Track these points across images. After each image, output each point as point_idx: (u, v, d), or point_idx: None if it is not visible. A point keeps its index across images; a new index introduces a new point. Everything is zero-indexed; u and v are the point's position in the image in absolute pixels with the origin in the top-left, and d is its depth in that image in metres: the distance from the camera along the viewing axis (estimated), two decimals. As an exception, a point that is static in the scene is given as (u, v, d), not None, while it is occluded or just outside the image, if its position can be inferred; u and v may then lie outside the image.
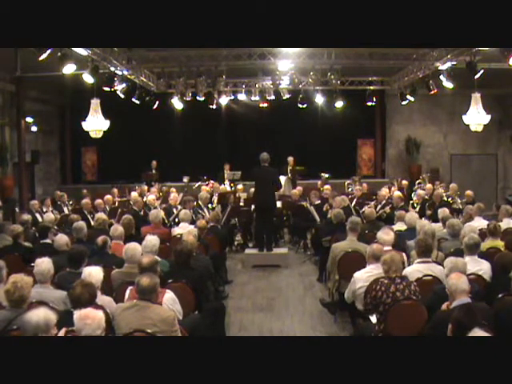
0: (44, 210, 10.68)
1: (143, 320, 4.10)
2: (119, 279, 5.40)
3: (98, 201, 11.01)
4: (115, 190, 13.04)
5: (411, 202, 11.27)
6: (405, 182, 13.53)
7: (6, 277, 4.96)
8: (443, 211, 8.09)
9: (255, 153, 10.31)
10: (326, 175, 14.19)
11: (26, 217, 8.53)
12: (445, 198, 10.97)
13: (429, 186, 12.57)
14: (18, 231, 7.08)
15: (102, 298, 4.62)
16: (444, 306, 4.31)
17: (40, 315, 3.46)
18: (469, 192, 10.68)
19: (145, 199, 11.28)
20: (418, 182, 13.92)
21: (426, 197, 11.40)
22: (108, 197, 11.76)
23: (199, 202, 10.76)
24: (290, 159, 14.24)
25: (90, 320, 3.47)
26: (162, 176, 14.89)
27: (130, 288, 4.76)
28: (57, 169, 17.36)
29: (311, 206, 10.86)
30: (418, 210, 10.40)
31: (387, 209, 10.37)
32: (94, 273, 4.71)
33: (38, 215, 10.20)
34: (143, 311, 4.15)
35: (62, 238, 6.48)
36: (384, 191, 11.67)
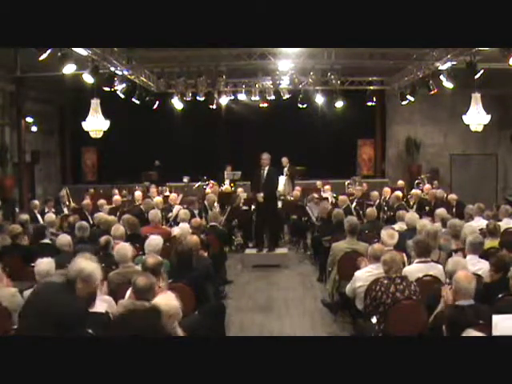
0: (46, 210, 10.67)
1: None
2: (116, 280, 5.40)
3: (105, 205, 10.98)
4: (116, 191, 13.04)
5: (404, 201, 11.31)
6: (400, 182, 13.49)
7: (6, 277, 4.97)
8: (441, 211, 8.13)
9: (255, 153, 10.32)
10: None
11: (24, 217, 8.53)
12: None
13: (425, 187, 12.59)
14: (17, 231, 7.07)
15: (103, 298, 4.62)
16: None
17: (91, 266, 3.85)
18: (452, 196, 10.67)
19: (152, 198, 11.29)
20: (416, 182, 13.93)
21: (423, 196, 11.43)
22: (116, 197, 11.78)
23: (205, 203, 10.83)
24: (284, 160, 14.20)
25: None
26: (161, 176, 14.89)
27: (130, 289, 4.76)
28: (57, 169, 17.37)
29: (307, 206, 10.93)
30: (415, 209, 10.40)
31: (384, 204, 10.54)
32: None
33: (38, 216, 10.19)
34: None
35: (64, 238, 6.47)
36: (384, 191, 11.73)
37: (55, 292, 3.95)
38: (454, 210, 9.96)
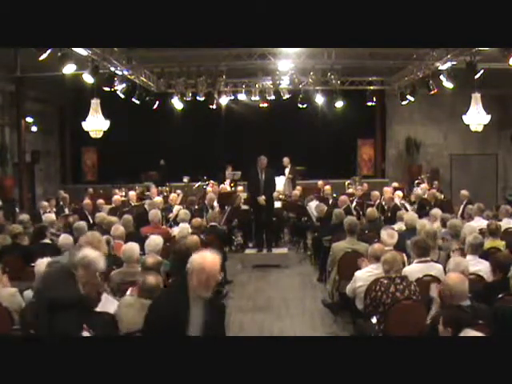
0: (48, 210, 10.69)
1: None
2: (118, 279, 5.40)
3: (104, 205, 11.02)
4: (117, 190, 13.04)
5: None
6: (395, 184, 13.38)
7: (6, 277, 4.97)
8: (437, 211, 8.16)
9: (255, 153, 10.32)
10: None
11: (25, 217, 8.52)
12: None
13: (421, 186, 12.56)
14: (17, 231, 7.06)
15: (107, 297, 4.62)
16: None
17: (93, 255, 3.91)
18: (464, 192, 10.65)
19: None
20: (416, 182, 13.90)
21: (424, 196, 11.42)
22: (116, 197, 11.78)
23: (206, 202, 10.84)
24: (286, 160, 14.22)
25: None
26: (162, 176, 14.89)
27: (130, 288, 4.76)
28: (57, 169, 17.36)
29: (307, 206, 10.95)
30: (415, 209, 10.39)
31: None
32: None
33: (43, 217, 10.17)
34: (145, 309, 4.15)
35: (65, 238, 6.46)
36: (384, 191, 11.73)
37: (54, 275, 4.00)
38: (461, 206, 9.95)
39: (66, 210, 11.41)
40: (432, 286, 4.48)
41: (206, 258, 3.61)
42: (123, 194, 13.09)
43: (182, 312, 3.55)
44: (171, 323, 3.50)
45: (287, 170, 14.11)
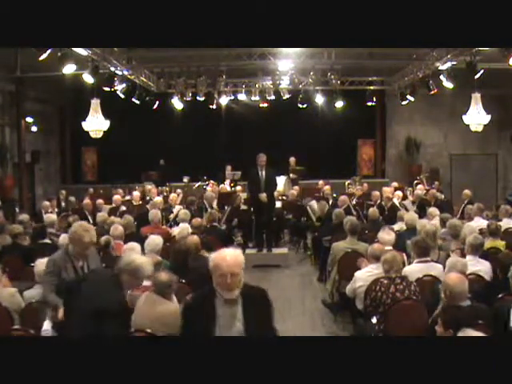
0: (49, 210, 10.70)
1: (155, 314, 4.09)
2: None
3: (103, 205, 11.02)
4: (121, 190, 13.04)
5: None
6: (395, 184, 13.36)
7: (6, 278, 4.97)
8: (434, 210, 8.17)
9: (255, 153, 10.31)
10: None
11: (25, 217, 8.52)
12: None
13: (418, 187, 12.57)
14: (17, 231, 7.07)
15: None
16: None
17: (140, 260, 3.89)
18: (466, 192, 10.64)
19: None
20: (415, 182, 13.89)
21: (424, 196, 11.42)
22: (117, 197, 11.79)
23: (204, 201, 10.83)
24: (292, 160, 14.25)
25: None
26: (162, 176, 14.89)
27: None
28: (57, 169, 17.37)
29: (307, 206, 10.96)
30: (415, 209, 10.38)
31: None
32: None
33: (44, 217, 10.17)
34: (157, 305, 4.15)
35: (66, 238, 6.44)
36: (384, 191, 11.73)
37: (100, 281, 3.95)
38: (463, 205, 9.96)
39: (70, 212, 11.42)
40: (441, 286, 4.47)
41: (222, 256, 3.25)
42: (121, 193, 13.10)
43: (207, 325, 3.35)
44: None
45: (290, 170, 14.15)
